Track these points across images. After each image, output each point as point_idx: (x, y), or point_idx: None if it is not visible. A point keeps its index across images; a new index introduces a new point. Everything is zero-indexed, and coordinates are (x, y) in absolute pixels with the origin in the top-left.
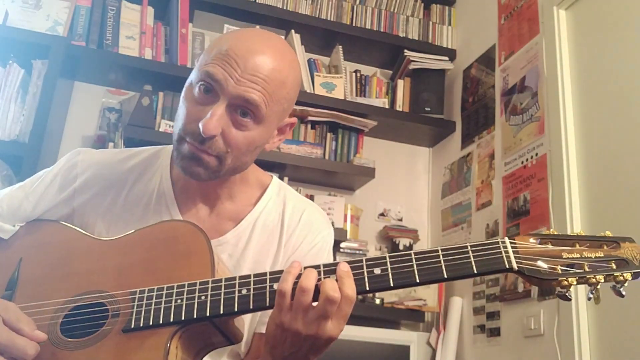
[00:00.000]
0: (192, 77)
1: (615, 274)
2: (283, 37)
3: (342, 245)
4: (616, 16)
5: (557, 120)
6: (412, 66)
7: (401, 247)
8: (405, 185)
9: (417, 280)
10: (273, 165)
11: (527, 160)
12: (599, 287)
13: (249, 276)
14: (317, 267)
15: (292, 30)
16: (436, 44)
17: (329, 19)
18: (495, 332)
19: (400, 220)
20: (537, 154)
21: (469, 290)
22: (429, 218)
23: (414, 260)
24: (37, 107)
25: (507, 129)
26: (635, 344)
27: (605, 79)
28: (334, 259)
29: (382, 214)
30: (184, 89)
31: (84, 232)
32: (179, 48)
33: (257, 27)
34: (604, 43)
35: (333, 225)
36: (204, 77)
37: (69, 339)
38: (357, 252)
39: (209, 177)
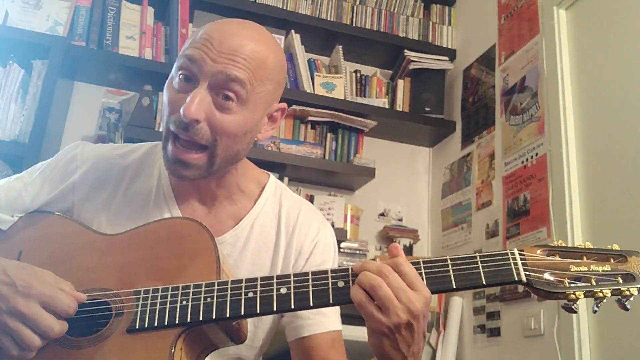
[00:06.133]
0: (172, 70)
1: (622, 289)
2: (283, 37)
3: (342, 245)
4: (616, 16)
5: (557, 120)
6: (412, 66)
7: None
8: (405, 185)
9: (430, 293)
10: (273, 165)
11: (527, 160)
12: (605, 300)
13: (255, 279)
14: (345, 269)
15: (292, 30)
16: (436, 44)
17: (329, 19)
18: (495, 332)
19: (400, 220)
20: (537, 154)
21: (469, 290)
22: (429, 218)
23: (422, 269)
24: (37, 107)
25: (507, 129)
26: (635, 344)
27: (605, 79)
28: None
29: (382, 214)
30: (166, 83)
31: (84, 226)
32: (179, 48)
33: None
34: (604, 43)
35: (333, 226)
36: (182, 64)
37: (72, 337)
38: (357, 252)
39: (200, 176)
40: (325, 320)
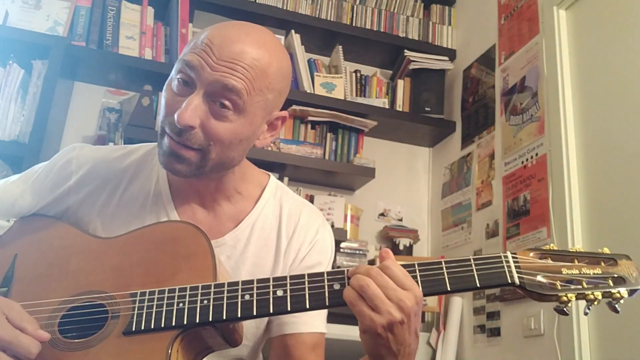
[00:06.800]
0: (172, 71)
1: (612, 291)
2: (283, 37)
3: (342, 245)
4: (616, 16)
5: (557, 120)
6: (412, 66)
7: (401, 247)
8: (405, 185)
9: (421, 292)
10: (273, 165)
11: (527, 160)
12: (596, 303)
13: (252, 281)
14: (341, 271)
15: (292, 30)
16: (436, 44)
17: (329, 19)
18: (495, 332)
19: (400, 220)
20: (537, 154)
21: (468, 291)
22: (429, 218)
23: (417, 271)
24: (37, 107)
25: (507, 129)
26: (635, 344)
27: (605, 79)
28: (334, 260)
29: (382, 214)
30: (165, 83)
31: (80, 229)
32: (179, 48)
33: None
34: (604, 43)
35: (333, 226)
36: (181, 67)
37: (68, 340)
38: (357, 252)
39: (192, 173)
40: (310, 321)
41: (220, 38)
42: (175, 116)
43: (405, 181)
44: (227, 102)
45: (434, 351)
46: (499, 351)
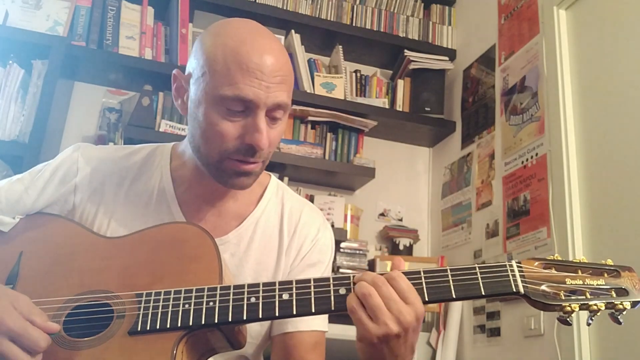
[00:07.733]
0: (210, 93)
1: (615, 302)
2: (283, 37)
3: (342, 245)
4: (616, 16)
5: (557, 120)
6: (412, 66)
7: (401, 247)
8: (405, 185)
9: (427, 299)
10: (273, 165)
11: (527, 160)
12: (599, 314)
13: (257, 284)
14: (347, 277)
15: (292, 30)
16: (436, 44)
17: (329, 19)
18: (495, 332)
19: (400, 220)
20: (537, 154)
21: None
22: (429, 218)
23: (423, 278)
24: (37, 107)
25: (507, 129)
26: (635, 344)
27: (605, 79)
28: (334, 260)
29: (382, 214)
30: (204, 108)
31: (86, 228)
32: (179, 48)
33: None
34: (604, 43)
35: (333, 226)
36: (234, 99)
37: (74, 339)
38: (357, 252)
39: (254, 182)
40: (311, 320)
41: (258, 57)
42: (257, 143)
43: (405, 181)
44: (280, 113)
45: (434, 351)
46: (499, 351)
